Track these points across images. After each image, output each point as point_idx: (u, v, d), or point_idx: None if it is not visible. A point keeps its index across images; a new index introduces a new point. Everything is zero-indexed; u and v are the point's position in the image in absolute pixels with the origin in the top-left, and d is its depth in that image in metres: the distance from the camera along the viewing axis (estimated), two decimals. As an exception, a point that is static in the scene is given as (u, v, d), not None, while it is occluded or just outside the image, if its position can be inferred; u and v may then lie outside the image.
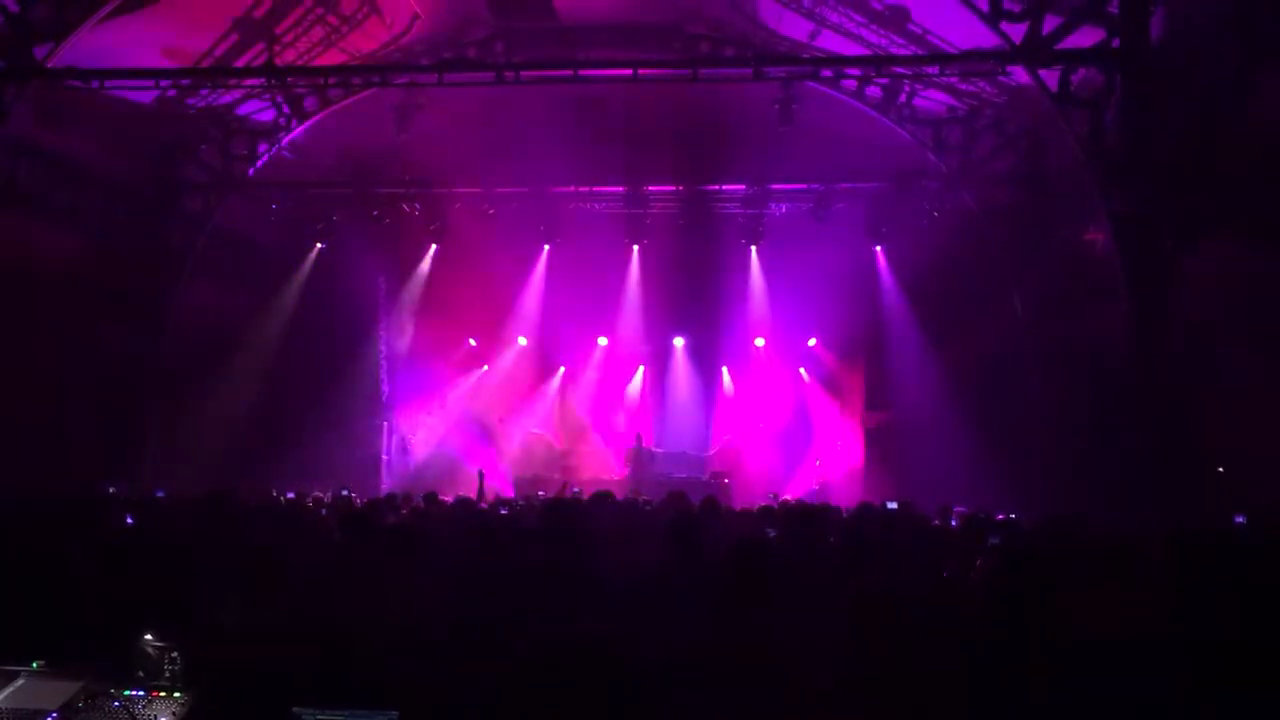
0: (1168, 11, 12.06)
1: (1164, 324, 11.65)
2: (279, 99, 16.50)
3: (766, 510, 9.92)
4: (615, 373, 20.69)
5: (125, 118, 15.39)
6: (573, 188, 17.54)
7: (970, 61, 13.45)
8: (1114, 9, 11.80)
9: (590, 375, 20.73)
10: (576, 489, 15.95)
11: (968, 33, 13.04)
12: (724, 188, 17.56)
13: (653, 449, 18.90)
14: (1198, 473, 11.40)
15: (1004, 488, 13.91)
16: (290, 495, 12.52)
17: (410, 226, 19.05)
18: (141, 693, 3.37)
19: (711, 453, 19.93)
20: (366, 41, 15.85)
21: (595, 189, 17.70)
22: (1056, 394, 14.36)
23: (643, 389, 20.74)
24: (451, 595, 4.68)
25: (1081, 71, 12.32)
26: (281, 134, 16.82)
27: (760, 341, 19.87)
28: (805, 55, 15.20)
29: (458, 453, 19.86)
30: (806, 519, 8.42)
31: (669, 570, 5.52)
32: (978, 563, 6.05)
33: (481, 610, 4.28)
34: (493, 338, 20.63)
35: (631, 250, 19.28)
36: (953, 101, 15.64)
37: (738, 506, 13.17)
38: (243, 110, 16.81)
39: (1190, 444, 11.42)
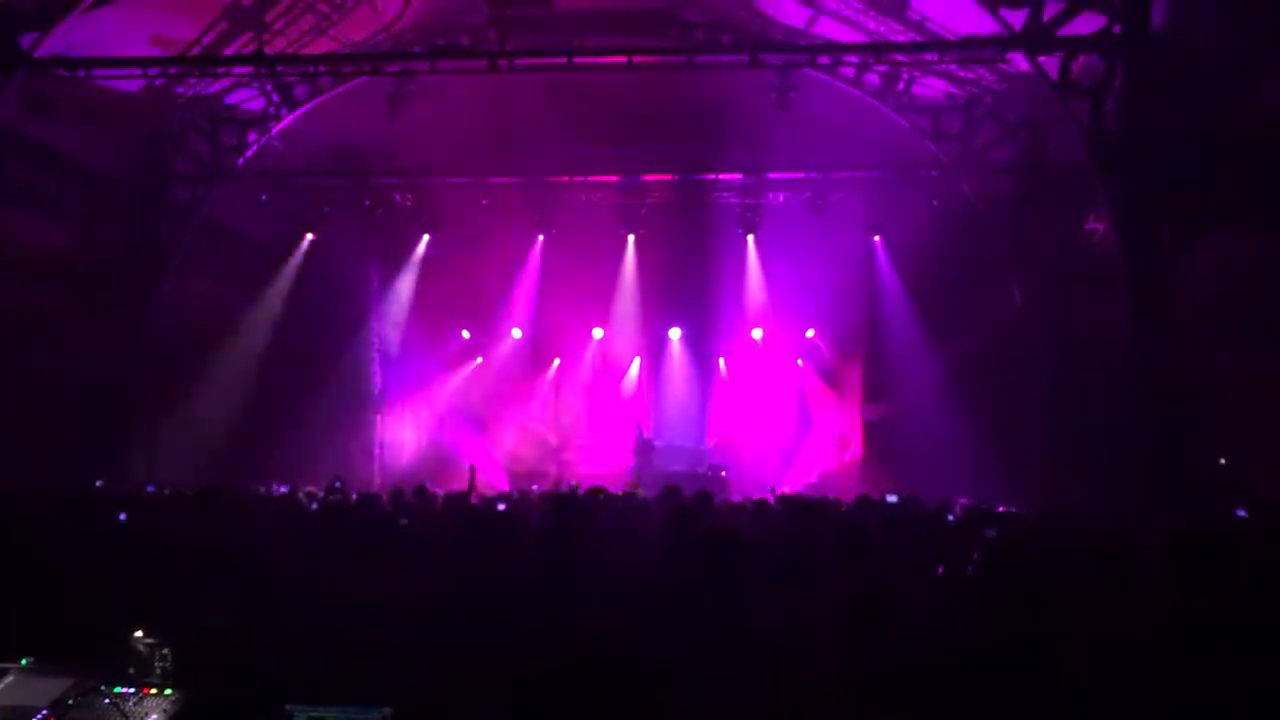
0: (1169, -2, 12.00)
1: (1164, 314, 11.60)
2: (269, 88, 16.29)
3: (762, 503, 9.86)
4: (611, 364, 20.59)
5: (112, 107, 15.22)
6: (567, 177, 17.42)
7: (970, 49, 13.33)
8: (1115, -4, 11.73)
9: (586, 367, 20.62)
10: (574, 482, 15.83)
11: (967, 19, 12.96)
12: (720, 177, 17.45)
13: (653, 441, 18.83)
14: (1199, 465, 11.36)
15: (1004, 479, 13.85)
16: (283, 489, 12.37)
17: (403, 217, 18.94)
18: (132, 690, 3.34)
19: (709, 445, 19.85)
20: (357, 29, 15.69)
21: (590, 178, 17.58)
22: (1056, 385, 14.29)
23: (639, 381, 20.63)
24: (445, 590, 4.64)
25: (1082, 59, 12.25)
26: (271, 123, 16.61)
27: (758, 333, 19.78)
28: (803, 42, 15.10)
29: (451, 446, 19.73)
30: (804, 512, 8.37)
31: (665, 564, 5.47)
32: (974, 556, 5.98)
33: (475, 605, 4.24)
34: (486, 329, 20.53)
35: (627, 240, 19.17)
36: (952, 89, 15.55)
37: (736, 499, 13.11)
38: (232, 99, 16.64)
39: (1191, 436, 11.38)
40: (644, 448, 18.55)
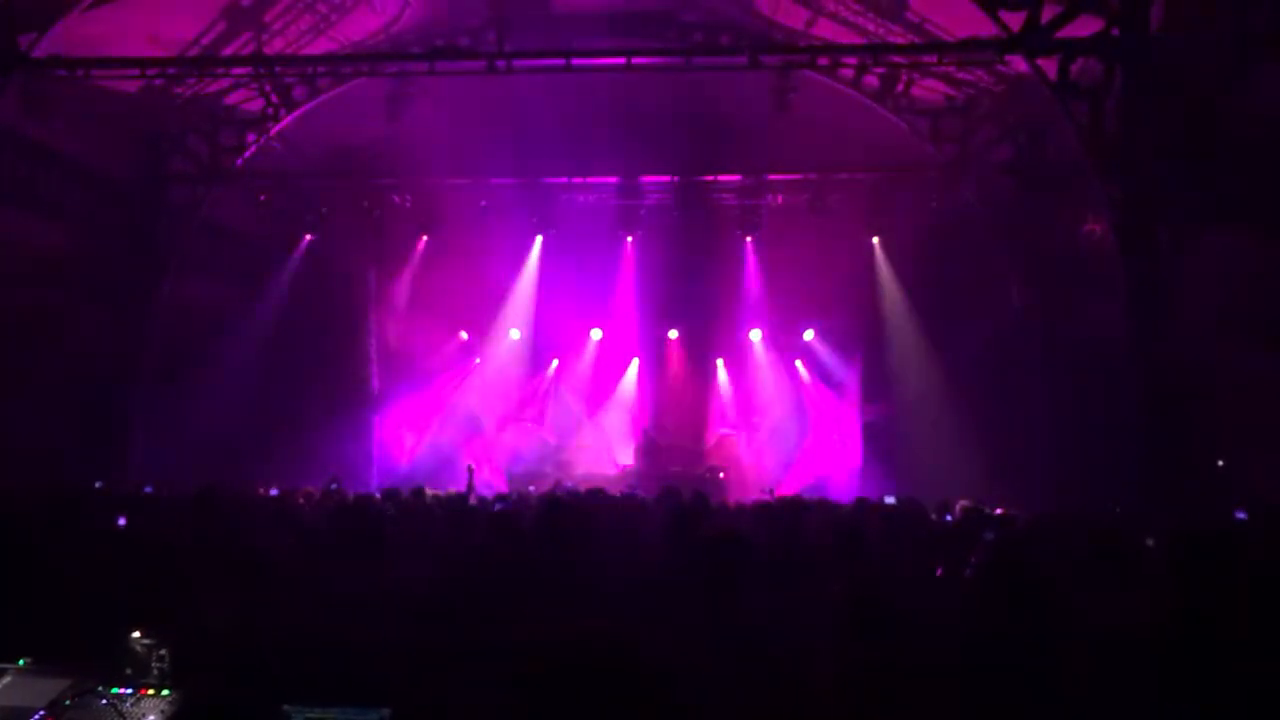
0: (1167, 0, 11.98)
1: (1164, 315, 11.59)
2: (267, 88, 16.26)
3: (762, 504, 9.86)
4: (609, 365, 20.56)
5: (111, 108, 15.20)
6: (566, 178, 17.41)
7: (968, 50, 13.30)
8: (1113, -3, 11.73)
9: (584, 368, 20.59)
10: (571, 484, 15.81)
11: (966, 21, 12.93)
12: (719, 178, 17.45)
13: (659, 444, 18.82)
14: (1199, 465, 11.35)
15: (1004, 480, 13.85)
16: (274, 492, 12.30)
17: (401, 217, 18.92)
18: (129, 691, 3.34)
19: (707, 446, 19.83)
20: (356, 29, 15.70)
21: (589, 180, 17.58)
22: (1056, 386, 14.30)
23: (638, 381, 20.60)
24: (444, 591, 4.63)
25: (1081, 61, 12.23)
26: (270, 124, 16.57)
27: (757, 334, 19.76)
28: (802, 44, 15.10)
29: (449, 447, 19.70)
30: (803, 513, 8.37)
31: (664, 564, 5.46)
32: (972, 559, 5.98)
33: (474, 606, 4.23)
34: (485, 330, 20.49)
35: (625, 241, 19.14)
36: (951, 91, 15.56)
37: (733, 500, 13.10)
38: (230, 100, 16.61)
39: (1191, 436, 11.37)
40: (650, 449, 18.52)
